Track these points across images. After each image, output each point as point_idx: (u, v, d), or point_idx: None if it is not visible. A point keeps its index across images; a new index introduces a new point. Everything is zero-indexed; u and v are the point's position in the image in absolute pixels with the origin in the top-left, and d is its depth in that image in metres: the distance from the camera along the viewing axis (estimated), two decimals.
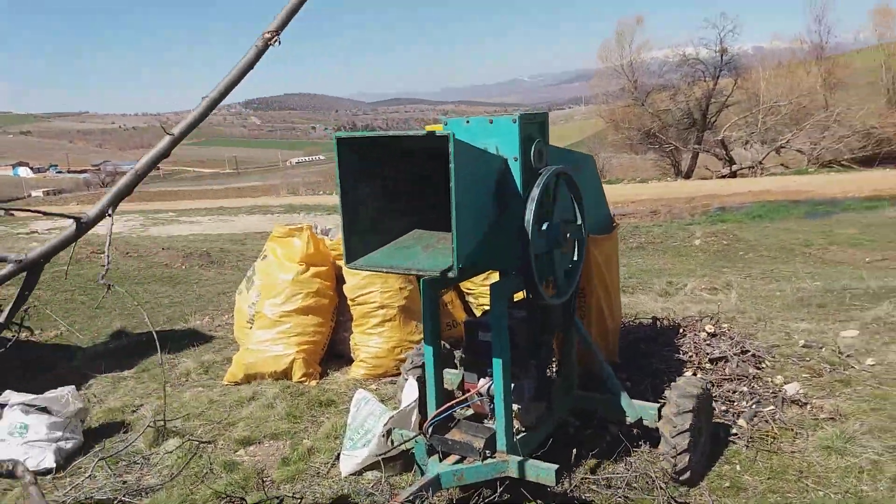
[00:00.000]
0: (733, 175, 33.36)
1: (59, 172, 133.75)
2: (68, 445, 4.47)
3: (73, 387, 4.83)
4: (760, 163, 33.39)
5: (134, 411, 5.14)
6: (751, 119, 34.68)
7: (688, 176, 35.41)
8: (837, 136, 32.56)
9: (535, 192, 3.14)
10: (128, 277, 10.52)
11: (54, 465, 4.25)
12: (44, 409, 4.54)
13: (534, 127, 3.38)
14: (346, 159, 3.06)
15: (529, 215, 3.10)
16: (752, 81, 35.72)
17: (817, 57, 38.35)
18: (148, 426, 4.55)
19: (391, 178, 3.25)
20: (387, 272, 3.10)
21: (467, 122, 3.47)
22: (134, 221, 21.70)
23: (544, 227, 3.27)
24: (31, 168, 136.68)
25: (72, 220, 2.54)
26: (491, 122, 3.36)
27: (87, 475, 4.06)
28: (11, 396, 4.60)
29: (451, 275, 2.88)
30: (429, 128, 3.97)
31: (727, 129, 34.97)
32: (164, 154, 2.58)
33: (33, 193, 79.10)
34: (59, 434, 4.47)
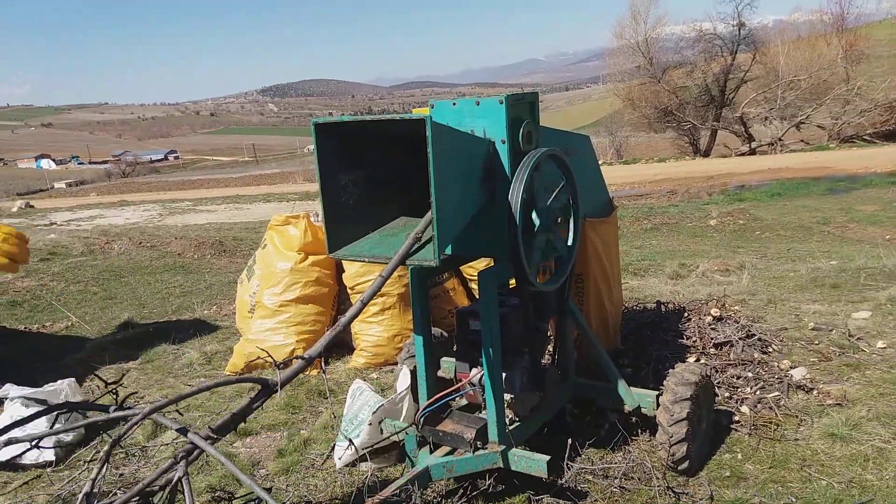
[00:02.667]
0: (753, 152, 32.80)
1: (81, 164, 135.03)
2: (68, 438, 4.47)
3: (73, 379, 4.83)
4: (780, 139, 32.78)
5: (136, 402, 5.12)
6: (770, 95, 33.96)
7: (706, 154, 34.90)
8: (859, 110, 31.81)
9: (521, 175, 3.05)
10: (140, 267, 10.56)
11: (54, 459, 4.25)
12: (43, 403, 4.54)
13: (522, 108, 3.27)
14: (325, 146, 2.99)
15: (515, 198, 3.01)
16: (770, 56, 34.92)
17: (838, 29, 37.41)
18: (146, 416, 4.54)
19: (375, 165, 3.17)
20: (369, 262, 3.03)
21: (454, 104, 3.37)
22: (151, 211, 21.81)
23: (533, 211, 3.18)
24: (54, 160, 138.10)
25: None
26: (478, 104, 3.26)
27: (84, 468, 4.06)
28: (11, 390, 4.61)
29: (432, 264, 2.80)
30: (416, 111, 3.88)
31: (746, 105, 34.31)
32: None
33: (56, 185, 79.86)
34: (59, 427, 4.46)
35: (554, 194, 3.28)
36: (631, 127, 41.75)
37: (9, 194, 48.90)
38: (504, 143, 3.14)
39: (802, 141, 33.71)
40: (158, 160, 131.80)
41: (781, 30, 38.43)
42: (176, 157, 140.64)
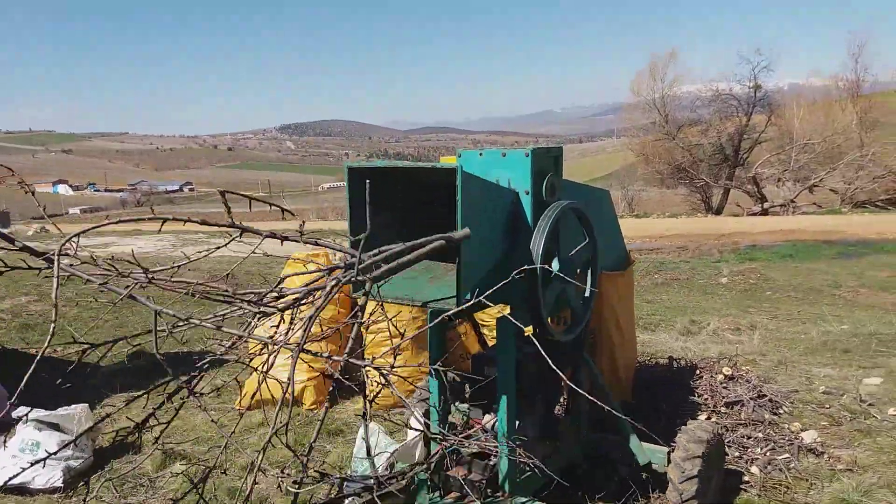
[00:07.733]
0: (765, 213, 32.90)
1: (97, 191, 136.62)
2: (78, 464, 4.49)
3: (86, 405, 4.86)
4: (792, 201, 32.90)
5: (145, 432, 5.14)
6: (784, 157, 34.23)
7: (718, 212, 35.02)
8: (872, 176, 32.00)
9: (543, 226, 3.12)
10: (151, 297, 10.61)
11: (62, 484, 4.27)
12: (55, 426, 4.58)
13: (547, 161, 3.36)
14: (356, 188, 3.07)
15: (536, 248, 3.08)
16: (785, 118, 35.32)
17: (853, 95, 37.84)
18: (155, 448, 4.57)
19: (403, 208, 3.25)
20: (391, 302, 3.08)
21: (480, 154, 3.46)
22: (165, 241, 21.97)
23: (554, 261, 3.24)
24: (71, 186, 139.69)
25: None
26: (504, 156, 3.35)
27: (92, 495, 4.07)
28: (24, 413, 4.64)
29: (454, 308, 2.85)
30: (444, 159, 3.97)
31: (759, 165, 34.57)
32: None
33: (71, 211, 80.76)
34: (70, 452, 4.49)
35: (574, 246, 3.35)
36: (644, 181, 42.01)
37: (24, 218, 49.36)
38: (528, 194, 3.22)
39: (815, 204, 33.80)
40: (174, 191, 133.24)
41: (797, 94, 38.87)
42: (191, 189, 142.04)
